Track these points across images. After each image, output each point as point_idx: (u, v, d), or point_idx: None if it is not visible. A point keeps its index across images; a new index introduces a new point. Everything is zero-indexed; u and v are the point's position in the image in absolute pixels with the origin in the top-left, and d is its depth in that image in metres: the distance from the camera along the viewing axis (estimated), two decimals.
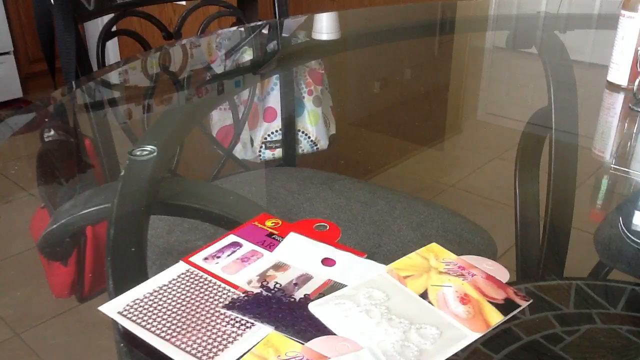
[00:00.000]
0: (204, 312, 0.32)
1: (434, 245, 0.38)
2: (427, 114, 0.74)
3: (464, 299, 0.33)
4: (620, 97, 0.72)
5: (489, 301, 0.33)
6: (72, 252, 0.43)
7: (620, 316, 0.32)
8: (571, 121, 0.69)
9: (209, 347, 0.29)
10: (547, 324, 0.32)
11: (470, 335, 0.31)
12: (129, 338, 0.31)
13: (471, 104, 0.79)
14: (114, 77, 0.79)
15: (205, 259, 0.37)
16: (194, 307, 0.32)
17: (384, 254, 0.39)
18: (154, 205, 0.47)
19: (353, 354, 0.29)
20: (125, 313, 0.32)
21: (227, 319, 0.32)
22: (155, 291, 0.34)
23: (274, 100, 0.71)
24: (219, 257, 0.37)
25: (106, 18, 0.96)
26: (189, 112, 0.70)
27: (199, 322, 0.31)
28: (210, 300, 0.33)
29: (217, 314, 0.32)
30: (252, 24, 1.10)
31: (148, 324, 0.31)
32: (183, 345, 0.30)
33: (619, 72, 0.72)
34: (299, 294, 0.33)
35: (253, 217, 0.41)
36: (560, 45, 1.06)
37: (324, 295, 0.33)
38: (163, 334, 0.30)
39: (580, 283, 0.36)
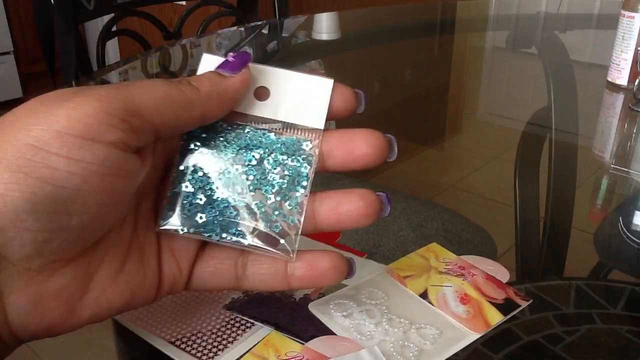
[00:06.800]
0: (203, 312, 0.32)
1: (434, 245, 0.38)
2: (427, 114, 0.74)
3: (464, 299, 0.33)
4: (620, 97, 0.72)
5: (489, 301, 0.33)
6: None
7: (620, 316, 0.32)
8: (571, 121, 0.69)
9: (209, 347, 0.30)
10: (547, 324, 0.32)
11: (470, 335, 0.31)
12: (128, 338, 0.31)
13: (471, 104, 0.80)
14: (114, 77, 0.79)
15: None
16: (193, 307, 0.32)
17: (383, 253, 0.39)
18: None
19: (353, 354, 0.29)
20: (125, 313, 0.32)
21: (227, 319, 0.32)
22: None
23: None
24: None
25: (106, 18, 0.96)
26: None
27: (199, 322, 0.31)
28: (210, 300, 0.33)
29: (216, 314, 0.32)
30: (252, 24, 1.10)
31: (148, 324, 0.31)
32: (183, 345, 0.30)
33: (619, 72, 0.72)
34: (299, 294, 0.33)
35: None
36: (560, 45, 1.06)
37: (324, 295, 0.33)
38: (163, 334, 0.30)
39: (580, 283, 0.36)
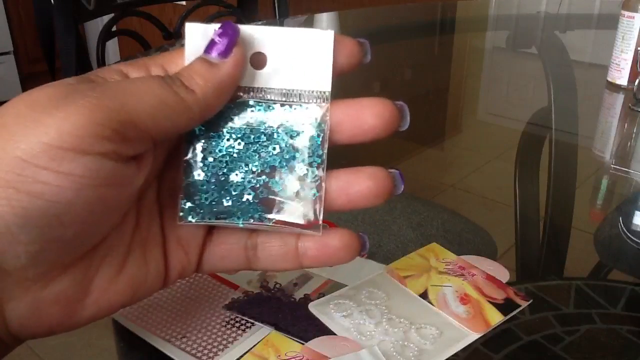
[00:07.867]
0: (203, 312, 0.32)
1: (434, 245, 0.38)
2: (427, 114, 0.74)
3: (464, 299, 0.33)
4: (620, 97, 0.72)
5: (489, 301, 0.33)
6: None
7: (620, 316, 0.32)
8: (571, 121, 0.69)
9: (209, 347, 0.29)
10: (547, 324, 0.32)
11: (470, 335, 0.31)
12: (129, 338, 0.31)
13: (471, 104, 0.80)
14: None
15: None
16: (193, 307, 0.32)
17: (384, 254, 0.39)
18: None
19: (353, 354, 0.29)
20: (125, 313, 0.32)
21: (227, 319, 0.32)
22: None
23: None
24: None
25: (106, 18, 0.96)
26: None
27: (199, 322, 0.31)
28: (210, 300, 0.33)
29: (216, 314, 0.32)
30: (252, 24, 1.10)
31: (148, 324, 0.31)
32: (183, 346, 0.30)
33: (619, 72, 0.72)
34: (299, 294, 0.33)
35: None
36: (560, 45, 1.06)
37: (324, 295, 0.33)
38: (163, 334, 0.30)
39: (580, 283, 0.36)
